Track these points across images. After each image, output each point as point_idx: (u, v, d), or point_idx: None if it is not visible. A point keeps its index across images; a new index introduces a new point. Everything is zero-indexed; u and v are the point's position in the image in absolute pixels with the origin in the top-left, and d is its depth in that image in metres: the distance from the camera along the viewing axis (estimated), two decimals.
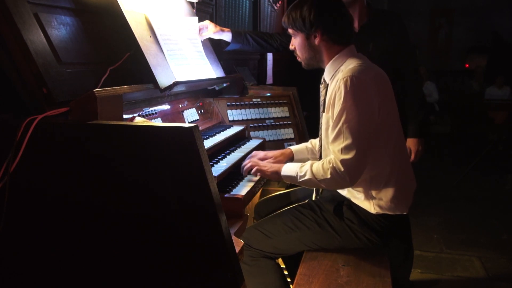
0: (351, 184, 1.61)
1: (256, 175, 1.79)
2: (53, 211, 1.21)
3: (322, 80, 1.80)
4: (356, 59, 1.68)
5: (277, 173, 1.73)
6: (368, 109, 1.59)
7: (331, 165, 1.58)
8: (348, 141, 1.55)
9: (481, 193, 4.59)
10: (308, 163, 1.67)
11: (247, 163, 1.80)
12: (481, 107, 6.54)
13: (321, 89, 1.81)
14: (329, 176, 1.58)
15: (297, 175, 1.66)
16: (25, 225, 1.24)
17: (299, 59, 1.81)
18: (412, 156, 2.46)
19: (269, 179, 1.84)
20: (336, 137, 1.59)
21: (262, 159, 1.87)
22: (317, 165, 1.62)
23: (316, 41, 1.69)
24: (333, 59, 1.71)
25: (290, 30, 1.75)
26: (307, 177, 1.63)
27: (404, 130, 2.33)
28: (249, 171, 1.79)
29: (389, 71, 1.78)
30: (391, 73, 1.87)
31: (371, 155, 1.63)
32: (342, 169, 1.55)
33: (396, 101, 1.76)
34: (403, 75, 2.44)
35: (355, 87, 1.55)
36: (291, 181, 1.72)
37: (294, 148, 2.02)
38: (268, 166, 1.77)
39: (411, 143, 2.47)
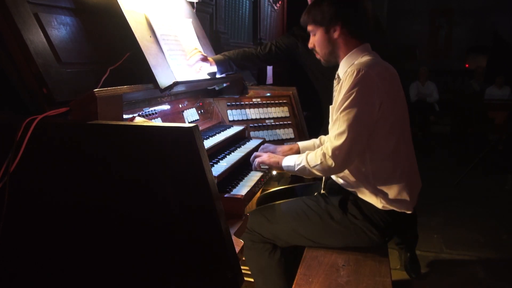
0: (338, 170, 1.69)
1: (260, 168, 1.87)
2: (53, 211, 1.21)
3: (336, 75, 1.82)
4: (369, 55, 1.73)
5: (278, 163, 1.82)
6: (367, 103, 1.62)
7: (322, 151, 1.65)
8: (341, 129, 1.62)
9: (481, 193, 4.59)
10: (306, 152, 1.74)
11: (253, 156, 1.89)
12: (481, 107, 6.52)
13: (334, 85, 1.84)
14: (319, 162, 1.66)
15: (294, 164, 1.75)
16: (25, 225, 1.24)
17: (318, 56, 1.86)
18: None
19: (271, 168, 1.90)
20: (333, 124, 1.66)
21: (273, 152, 1.95)
22: (312, 153, 1.70)
23: (336, 34, 1.74)
24: (349, 54, 1.75)
25: (309, 27, 1.80)
26: (302, 164, 1.72)
27: None
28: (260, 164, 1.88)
29: None
30: None
31: (371, 149, 1.68)
32: (330, 154, 1.63)
33: None
34: None
35: (359, 79, 1.61)
36: (290, 171, 1.80)
37: (302, 143, 2.07)
38: (272, 156, 1.86)
39: None
